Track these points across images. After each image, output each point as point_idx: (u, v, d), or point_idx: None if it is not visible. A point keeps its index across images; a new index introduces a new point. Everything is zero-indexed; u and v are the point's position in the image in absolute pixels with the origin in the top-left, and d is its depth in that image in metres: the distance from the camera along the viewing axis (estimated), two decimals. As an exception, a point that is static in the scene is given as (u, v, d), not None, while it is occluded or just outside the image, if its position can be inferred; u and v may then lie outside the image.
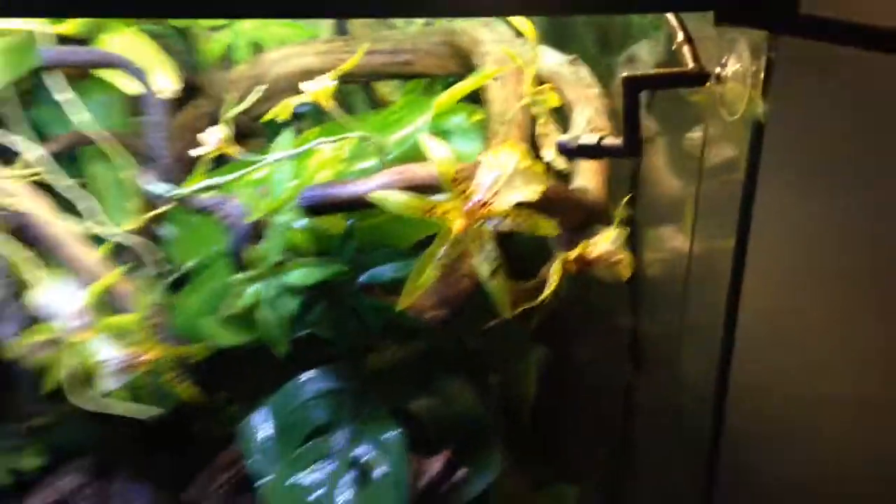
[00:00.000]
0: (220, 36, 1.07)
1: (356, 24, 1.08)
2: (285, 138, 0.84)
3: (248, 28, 1.06)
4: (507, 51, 0.85)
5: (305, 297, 0.85)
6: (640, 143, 0.64)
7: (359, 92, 1.10)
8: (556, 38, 1.01)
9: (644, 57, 0.92)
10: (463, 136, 0.93)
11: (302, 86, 0.78)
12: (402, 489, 0.86)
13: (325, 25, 1.08)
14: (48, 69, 0.90)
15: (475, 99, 0.95)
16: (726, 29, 0.61)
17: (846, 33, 0.57)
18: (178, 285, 0.99)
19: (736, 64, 0.62)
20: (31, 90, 1.00)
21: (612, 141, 0.69)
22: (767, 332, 0.72)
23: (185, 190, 0.81)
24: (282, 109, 0.80)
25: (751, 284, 0.72)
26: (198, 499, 1.07)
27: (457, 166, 0.74)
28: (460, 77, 0.92)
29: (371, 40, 1.01)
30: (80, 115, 0.96)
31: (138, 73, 0.87)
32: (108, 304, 0.98)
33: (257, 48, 1.07)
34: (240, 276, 0.85)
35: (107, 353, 0.95)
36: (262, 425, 0.94)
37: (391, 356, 0.93)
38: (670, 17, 0.65)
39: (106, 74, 0.95)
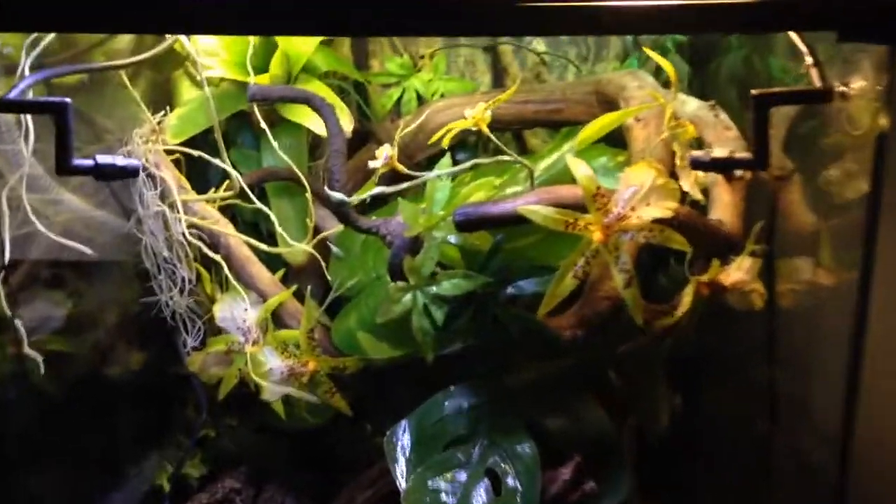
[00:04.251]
0: (390, 91, 1.21)
1: (512, 79, 1.20)
2: (446, 161, 0.94)
3: (415, 84, 1.19)
4: (652, 92, 0.93)
5: (453, 307, 0.93)
6: (768, 156, 0.69)
7: (511, 142, 1.21)
8: (700, 92, 1.09)
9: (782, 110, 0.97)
10: (607, 176, 1.00)
11: (465, 112, 0.88)
12: (533, 499, 0.89)
13: (485, 81, 1.21)
14: (253, 101, 1.04)
15: (620, 143, 1.04)
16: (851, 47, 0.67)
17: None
18: (341, 302, 1.09)
19: (860, 81, 0.67)
20: (227, 135, 1.16)
21: (743, 155, 0.75)
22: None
23: (358, 197, 0.92)
24: (444, 135, 0.91)
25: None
26: (342, 511, 1.15)
27: (597, 184, 0.81)
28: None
29: (524, 91, 1.11)
30: (270, 151, 1.09)
31: (327, 109, 0.99)
32: (278, 318, 1.08)
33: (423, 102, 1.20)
34: (397, 284, 0.94)
35: (273, 363, 1.04)
36: (404, 436, 0.99)
37: (528, 374, 0.99)
38: (798, 41, 0.71)
39: (294, 115, 1.09)
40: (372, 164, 0.90)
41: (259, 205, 1.06)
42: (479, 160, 0.92)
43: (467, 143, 1.18)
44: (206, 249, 1.04)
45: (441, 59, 1.20)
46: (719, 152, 0.78)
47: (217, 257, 1.04)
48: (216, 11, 0.66)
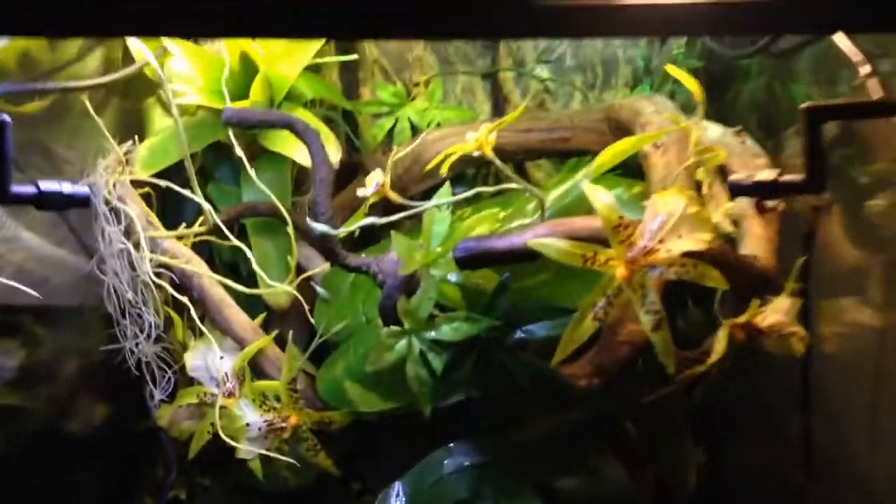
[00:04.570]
0: (382, 121, 1.14)
1: (514, 108, 1.13)
2: (445, 190, 0.86)
3: (409, 113, 1.13)
4: (672, 116, 0.86)
5: (454, 354, 0.86)
6: (824, 177, 0.60)
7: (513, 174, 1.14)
8: (717, 120, 1.02)
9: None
10: (623, 208, 0.93)
11: (467, 135, 0.81)
12: (547, 572, 0.81)
13: (484, 111, 1.15)
14: (229, 125, 0.98)
15: (636, 174, 0.97)
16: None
17: None
18: (327, 349, 1.03)
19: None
20: (204, 169, 1.10)
21: (792, 178, 0.66)
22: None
23: (345, 229, 0.85)
24: (442, 161, 0.83)
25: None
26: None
27: (619, 213, 0.73)
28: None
29: (528, 118, 1.05)
30: (251, 185, 1.02)
31: (311, 135, 0.92)
32: (257, 367, 1.02)
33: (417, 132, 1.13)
34: (390, 329, 0.87)
35: (250, 417, 0.99)
36: (398, 499, 0.94)
37: (537, 429, 0.92)
38: (848, 51, 0.63)
39: (277, 145, 1.02)
40: (361, 191, 0.83)
41: (236, 242, 0.99)
42: (482, 188, 0.84)
43: (465, 176, 1.12)
44: (174, 291, 0.98)
45: (437, 87, 1.14)
46: (765, 175, 0.69)
47: (187, 300, 0.98)
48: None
